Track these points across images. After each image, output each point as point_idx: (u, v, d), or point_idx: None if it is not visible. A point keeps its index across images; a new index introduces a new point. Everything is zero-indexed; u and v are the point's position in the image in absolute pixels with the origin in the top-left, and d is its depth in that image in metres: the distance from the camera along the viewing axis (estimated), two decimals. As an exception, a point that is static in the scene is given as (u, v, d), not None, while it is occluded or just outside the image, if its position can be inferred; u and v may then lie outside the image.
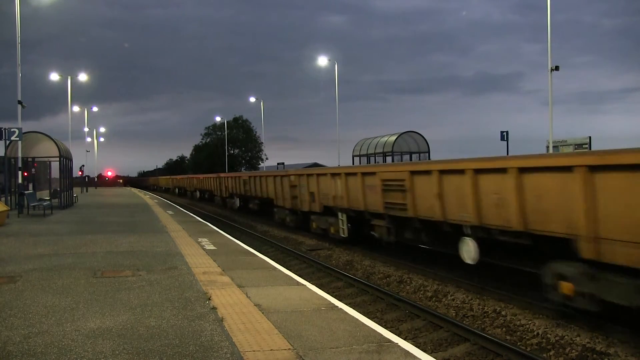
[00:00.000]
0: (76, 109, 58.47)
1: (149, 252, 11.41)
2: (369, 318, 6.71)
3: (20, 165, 22.72)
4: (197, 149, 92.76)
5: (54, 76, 42.25)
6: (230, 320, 6.11)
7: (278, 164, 56.43)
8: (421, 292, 10.07)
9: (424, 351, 5.51)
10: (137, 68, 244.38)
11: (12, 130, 21.34)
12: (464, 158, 9.99)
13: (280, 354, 4.99)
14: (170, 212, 24.91)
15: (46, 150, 25.74)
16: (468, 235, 9.56)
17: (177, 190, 61.22)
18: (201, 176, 44.54)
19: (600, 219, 6.64)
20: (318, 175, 16.46)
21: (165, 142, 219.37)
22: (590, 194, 6.75)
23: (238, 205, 29.35)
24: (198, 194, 45.37)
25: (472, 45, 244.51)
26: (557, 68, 23.41)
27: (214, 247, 12.38)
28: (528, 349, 6.84)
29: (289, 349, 5.15)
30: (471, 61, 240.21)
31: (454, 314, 8.66)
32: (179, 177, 64.61)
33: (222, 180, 33.44)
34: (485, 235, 9.17)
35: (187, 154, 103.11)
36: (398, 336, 5.87)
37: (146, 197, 45.61)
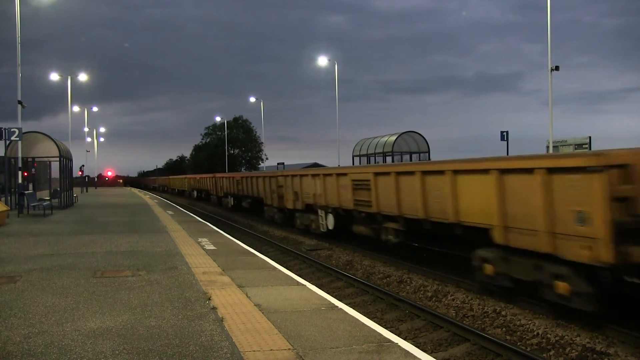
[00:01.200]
0: (76, 109, 58.51)
1: (149, 252, 11.41)
2: (369, 318, 6.72)
3: (20, 165, 22.72)
4: (197, 149, 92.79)
5: (54, 76, 42.30)
6: (230, 320, 6.11)
7: (278, 164, 56.37)
8: (421, 292, 10.07)
9: (424, 351, 5.52)
10: (137, 68, 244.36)
11: (12, 130, 21.35)
12: None
13: (280, 354, 4.99)
14: (170, 212, 24.91)
15: (46, 150, 25.75)
16: None
17: (195, 193, 48.34)
18: (237, 175, 30.93)
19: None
20: None
21: (165, 142, 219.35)
22: None
23: (330, 226, 16.20)
24: (231, 200, 32.09)
25: (472, 45, 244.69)
26: (557, 68, 23.41)
27: (214, 247, 12.38)
28: (528, 349, 6.84)
29: (289, 349, 5.15)
30: (471, 61, 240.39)
31: (454, 314, 8.66)
32: (198, 176, 48.35)
33: (289, 182, 19.33)
34: None
35: (187, 154, 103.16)
36: (398, 336, 5.87)
37: (146, 197, 45.61)
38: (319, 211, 16.74)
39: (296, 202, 18.69)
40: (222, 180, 34.44)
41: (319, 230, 16.95)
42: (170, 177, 72.92)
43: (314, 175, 17.09)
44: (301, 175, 18.39)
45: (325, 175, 16.23)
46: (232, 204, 32.00)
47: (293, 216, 19.67)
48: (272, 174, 22.82)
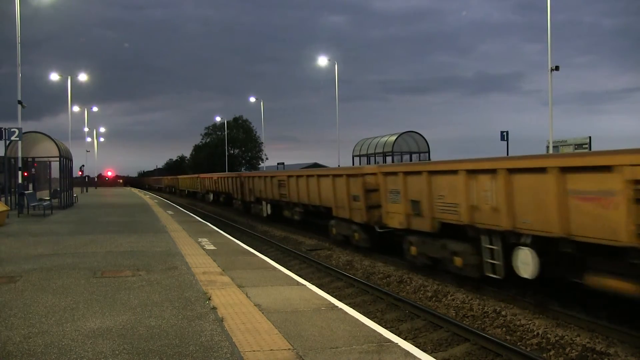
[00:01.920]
0: (76, 109, 58.58)
1: (149, 252, 11.41)
2: (369, 318, 6.72)
3: (20, 165, 22.73)
4: (197, 149, 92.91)
5: (54, 76, 42.35)
6: (230, 320, 6.11)
7: (278, 164, 56.43)
8: (421, 292, 10.07)
9: (424, 351, 5.52)
10: (137, 68, 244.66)
11: (12, 130, 21.36)
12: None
13: (280, 354, 4.99)
14: (170, 212, 24.92)
15: (46, 150, 25.76)
16: None
17: (211, 196, 39.41)
18: (281, 174, 21.61)
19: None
20: None
21: (165, 142, 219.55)
22: None
23: (530, 272, 8.12)
24: (268, 208, 23.51)
25: (472, 45, 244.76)
26: (557, 68, 23.42)
27: (214, 247, 12.38)
28: (528, 349, 6.84)
29: (289, 349, 5.15)
30: (471, 61, 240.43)
31: (454, 314, 8.66)
32: (216, 176, 37.54)
33: (399, 183, 11.56)
34: None
35: (187, 154, 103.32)
36: (398, 336, 5.87)
37: (146, 197, 45.61)
38: (489, 239, 8.95)
39: (412, 217, 11.05)
40: (253, 181, 25.46)
41: (488, 272, 8.98)
42: (179, 176, 62.81)
43: (493, 171, 8.70)
44: (446, 173, 9.96)
45: (577, 168, 7.29)
46: (269, 212, 23.39)
47: (400, 239, 11.97)
48: (355, 170, 14.90)
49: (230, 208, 32.09)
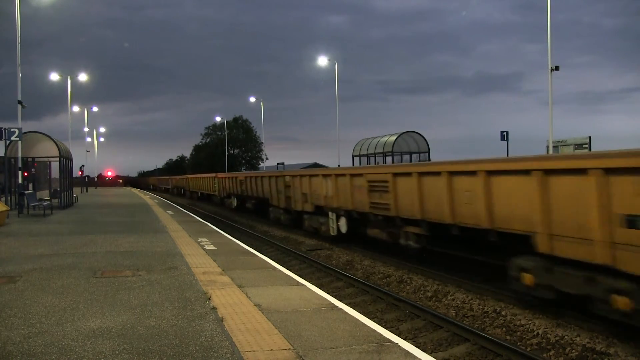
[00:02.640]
0: (76, 109, 58.60)
1: (149, 252, 11.41)
2: (369, 318, 6.72)
3: (20, 165, 22.73)
4: (197, 149, 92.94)
5: (54, 76, 42.36)
6: (230, 320, 6.12)
7: (278, 164, 56.42)
8: (421, 292, 10.07)
9: (424, 351, 5.52)
10: (137, 68, 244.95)
11: (12, 130, 21.36)
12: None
13: (280, 354, 4.99)
14: (170, 212, 24.92)
15: (46, 150, 25.75)
16: None
17: (235, 201, 30.79)
18: (381, 172, 12.55)
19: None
20: None
21: (165, 142, 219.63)
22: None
23: None
24: (343, 223, 15.06)
25: (473, 45, 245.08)
26: (557, 68, 23.40)
27: (214, 247, 12.39)
28: (528, 349, 6.84)
29: (289, 349, 5.15)
30: (471, 61, 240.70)
31: (454, 314, 8.66)
32: (242, 175, 28.33)
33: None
34: None
35: (187, 154, 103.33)
36: (398, 336, 5.87)
37: (146, 197, 45.61)
38: None
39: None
40: (310, 182, 17.22)
41: None
42: (189, 176, 53.58)
43: None
44: None
45: None
46: (342, 230, 15.27)
47: None
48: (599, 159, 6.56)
49: (260, 217, 24.94)
